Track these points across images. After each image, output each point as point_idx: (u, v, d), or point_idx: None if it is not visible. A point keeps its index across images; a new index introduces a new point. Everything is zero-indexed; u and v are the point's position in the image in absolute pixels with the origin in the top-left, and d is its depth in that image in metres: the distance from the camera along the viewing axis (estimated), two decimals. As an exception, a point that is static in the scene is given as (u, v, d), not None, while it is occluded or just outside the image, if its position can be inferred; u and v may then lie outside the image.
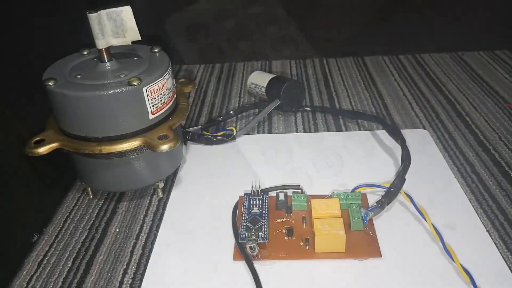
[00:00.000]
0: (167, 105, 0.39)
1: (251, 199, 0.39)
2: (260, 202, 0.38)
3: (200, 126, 0.52)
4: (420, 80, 0.62)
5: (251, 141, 0.49)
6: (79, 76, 0.37)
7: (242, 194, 0.40)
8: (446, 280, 0.31)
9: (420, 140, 0.48)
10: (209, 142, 0.48)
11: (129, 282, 0.33)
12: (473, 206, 0.38)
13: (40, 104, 0.39)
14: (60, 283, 0.34)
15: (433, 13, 0.68)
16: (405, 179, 0.38)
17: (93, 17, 0.35)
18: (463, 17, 0.69)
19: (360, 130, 0.51)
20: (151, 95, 0.37)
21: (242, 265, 0.33)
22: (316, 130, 0.52)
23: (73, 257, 0.36)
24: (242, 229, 0.36)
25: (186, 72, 0.69)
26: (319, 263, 0.33)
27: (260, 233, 0.35)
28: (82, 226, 0.39)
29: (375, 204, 0.37)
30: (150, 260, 0.35)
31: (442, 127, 0.51)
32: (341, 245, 0.34)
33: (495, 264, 0.33)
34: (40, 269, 0.35)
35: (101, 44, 0.37)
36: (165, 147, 0.36)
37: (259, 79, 0.56)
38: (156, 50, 0.41)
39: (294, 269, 0.33)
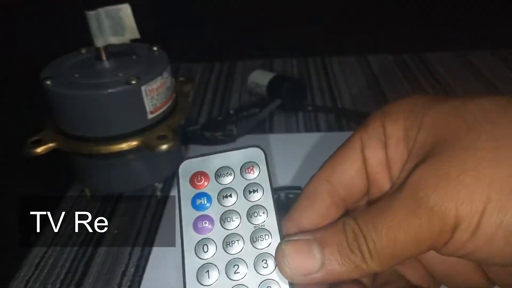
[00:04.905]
0: (166, 104, 0.38)
1: (252, 200, 0.38)
2: (261, 203, 0.38)
3: (200, 126, 0.51)
4: (423, 78, 0.62)
5: (251, 141, 0.49)
6: (77, 75, 0.36)
7: (243, 195, 0.39)
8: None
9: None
10: (209, 142, 0.48)
11: (128, 284, 0.33)
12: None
13: (38, 104, 0.38)
14: (58, 285, 0.33)
15: (437, 12, 0.68)
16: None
17: (91, 15, 0.35)
18: (467, 16, 0.68)
19: (362, 129, 0.50)
20: (150, 94, 0.36)
21: (242, 267, 0.33)
22: (318, 130, 0.51)
23: (71, 258, 0.35)
24: (242, 231, 0.35)
25: (186, 71, 0.69)
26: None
27: (261, 234, 0.34)
28: (80, 227, 0.39)
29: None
30: (148, 262, 0.34)
31: (445, 126, 0.50)
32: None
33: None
34: (38, 271, 0.35)
35: (99, 42, 0.36)
36: (164, 148, 0.35)
37: (260, 78, 0.55)
38: (155, 49, 0.40)
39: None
